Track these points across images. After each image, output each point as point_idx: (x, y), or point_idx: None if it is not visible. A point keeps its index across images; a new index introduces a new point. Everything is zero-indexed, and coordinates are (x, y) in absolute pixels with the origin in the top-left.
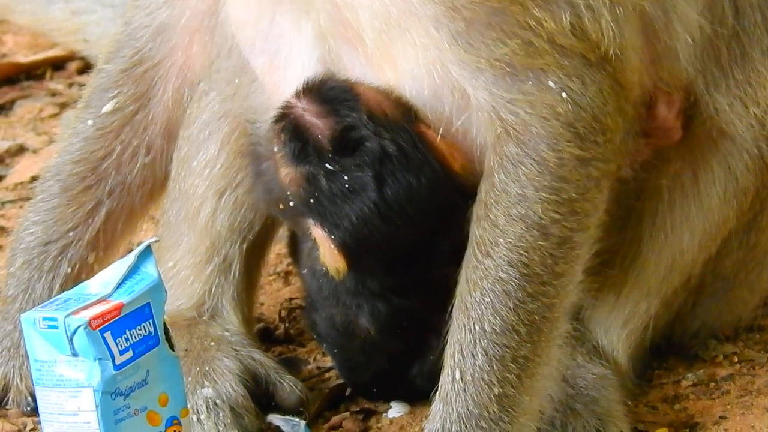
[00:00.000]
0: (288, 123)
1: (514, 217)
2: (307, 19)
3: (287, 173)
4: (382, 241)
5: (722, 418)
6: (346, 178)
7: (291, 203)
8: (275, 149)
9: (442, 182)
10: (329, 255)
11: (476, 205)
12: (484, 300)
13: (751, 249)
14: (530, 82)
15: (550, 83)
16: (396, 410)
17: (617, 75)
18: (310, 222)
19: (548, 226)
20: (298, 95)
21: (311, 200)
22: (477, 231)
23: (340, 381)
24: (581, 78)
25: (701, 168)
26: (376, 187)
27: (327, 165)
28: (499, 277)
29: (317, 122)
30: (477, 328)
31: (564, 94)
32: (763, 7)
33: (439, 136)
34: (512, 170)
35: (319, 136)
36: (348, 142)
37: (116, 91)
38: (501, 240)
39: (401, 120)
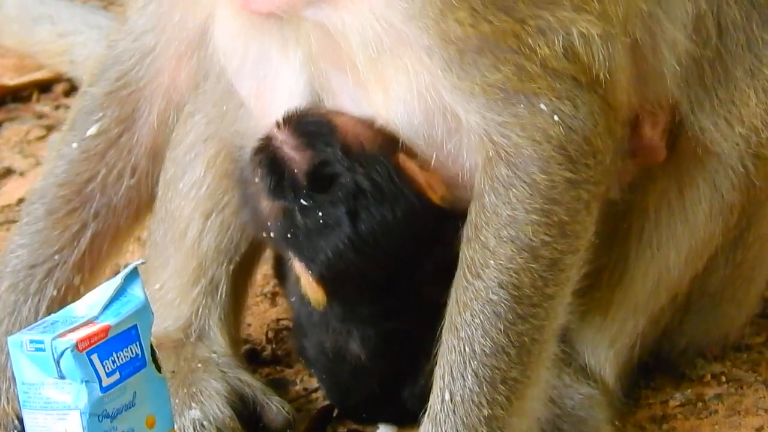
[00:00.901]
0: (265, 156)
1: (505, 239)
2: (296, 45)
3: (265, 206)
4: (360, 273)
5: None
6: (320, 213)
7: (271, 234)
8: (255, 180)
9: (419, 213)
10: (309, 287)
11: (466, 226)
12: (474, 321)
13: (737, 266)
14: (522, 105)
15: (542, 106)
16: (384, 431)
17: (607, 96)
18: (290, 254)
19: (539, 248)
20: (278, 126)
21: (288, 234)
22: (467, 252)
23: (327, 402)
24: (572, 100)
25: (687, 185)
26: (350, 223)
27: (302, 201)
28: (490, 298)
29: (293, 156)
30: (467, 349)
31: (556, 117)
32: (746, 27)
33: (419, 166)
34: (503, 192)
35: (295, 171)
36: (322, 178)
37: (101, 114)
38: (491, 261)
39: (378, 152)
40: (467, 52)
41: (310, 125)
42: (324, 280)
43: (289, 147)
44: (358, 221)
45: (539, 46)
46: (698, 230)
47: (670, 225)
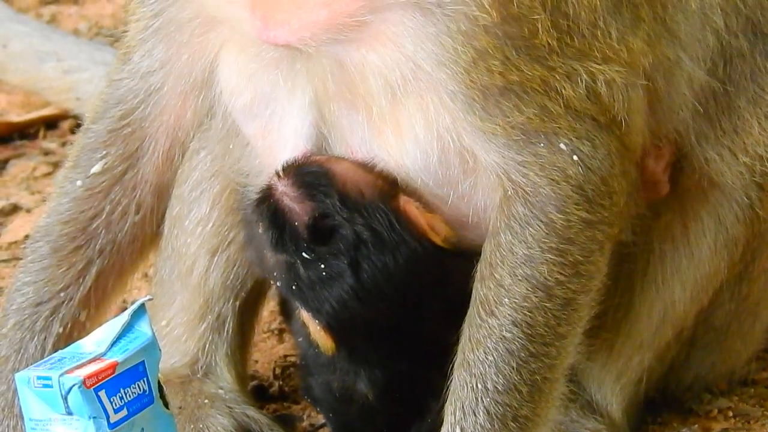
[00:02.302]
0: (267, 208)
1: (520, 278)
2: (306, 83)
3: (269, 257)
4: (366, 320)
5: None
6: (322, 266)
7: (278, 283)
8: (259, 231)
9: (422, 257)
10: (317, 335)
11: (480, 264)
12: (487, 358)
13: (743, 300)
14: (542, 145)
15: (562, 146)
16: None
17: (623, 138)
18: (296, 304)
19: (553, 288)
20: (278, 176)
21: (292, 286)
22: (481, 290)
23: None
24: (591, 141)
25: (691, 219)
26: (353, 273)
27: (303, 254)
28: (503, 336)
29: (294, 207)
30: (479, 386)
31: (575, 157)
32: (750, 57)
33: (420, 208)
34: (519, 231)
35: (296, 223)
36: (323, 230)
37: (104, 152)
38: (506, 300)
39: (378, 198)
40: (491, 95)
41: (309, 175)
42: (331, 328)
43: (289, 199)
44: (360, 271)
45: (564, 88)
46: (703, 265)
47: (675, 259)
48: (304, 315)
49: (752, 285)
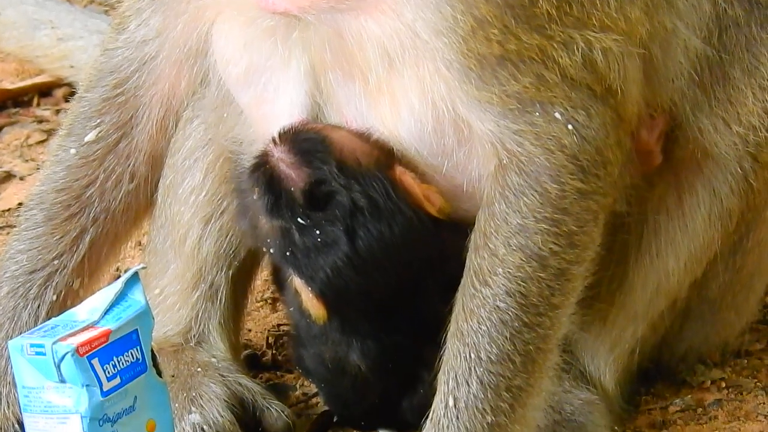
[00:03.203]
0: (262, 174)
1: (514, 248)
2: (302, 52)
3: (264, 224)
4: (360, 289)
5: None
6: (318, 232)
7: (271, 250)
8: (254, 197)
9: (417, 227)
10: (309, 303)
11: (474, 233)
12: (480, 328)
13: (737, 272)
14: (538, 114)
15: (557, 115)
16: None
17: (619, 108)
18: (289, 271)
19: (547, 258)
20: (274, 142)
21: (287, 253)
22: (475, 260)
23: (327, 407)
24: (587, 110)
25: (686, 191)
26: (348, 241)
27: (299, 219)
28: (497, 306)
29: (290, 174)
30: (473, 355)
31: (570, 126)
32: (745, 27)
33: (416, 178)
34: (514, 200)
35: (292, 189)
36: (319, 197)
37: (99, 120)
38: (500, 270)
39: (375, 167)
40: (488, 64)
41: (306, 142)
42: (324, 297)
43: (285, 165)
44: (356, 239)
45: (561, 57)
46: (697, 236)
47: (669, 231)
48: (297, 282)
49: (746, 257)
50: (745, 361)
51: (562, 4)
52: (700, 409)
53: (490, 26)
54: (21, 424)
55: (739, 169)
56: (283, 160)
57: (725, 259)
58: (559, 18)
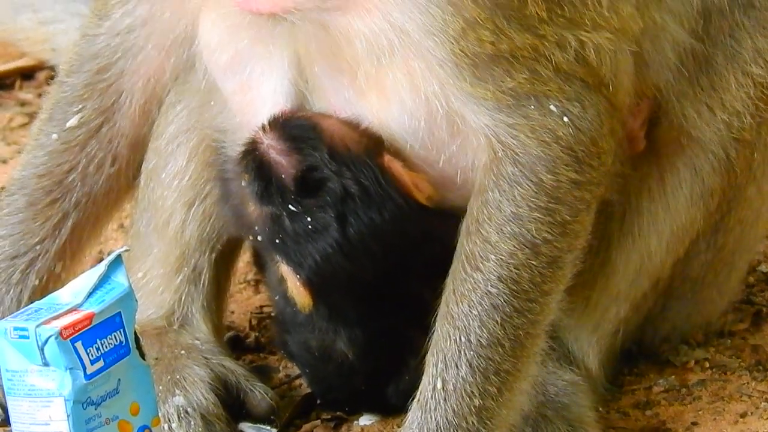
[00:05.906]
0: (252, 161)
1: (507, 235)
2: (286, 45)
3: (253, 210)
4: (348, 276)
5: (694, 424)
6: (308, 218)
7: (258, 237)
8: (242, 184)
9: (406, 215)
10: (295, 290)
11: (466, 219)
12: (471, 312)
13: (718, 250)
14: (532, 107)
15: (552, 107)
16: (367, 418)
17: (611, 98)
18: (276, 258)
19: (540, 246)
20: (264, 129)
21: (276, 239)
22: (467, 245)
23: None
24: (581, 102)
25: (667, 171)
26: (339, 227)
27: (290, 206)
28: (488, 291)
29: (281, 160)
30: (463, 339)
31: (565, 118)
32: (729, 14)
33: (405, 167)
34: (508, 190)
35: (283, 176)
36: (310, 183)
37: (80, 106)
38: (492, 256)
39: (364, 154)
40: (481, 62)
41: (297, 129)
42: (311, 284)
43: (275, 152)
44: (347, 225)
45: (554, 55)
46: (679, 215)
47: (651, 210)
48: (284, 269)
49: (728, 235)
50: (729, 341)
51: (552, 5)
52: (684, 389)
53: (481, 27)
54: (5, 408)
55: (721, 151)
56: (273, 147)
57: (707, 238)
58: (549, 19)
